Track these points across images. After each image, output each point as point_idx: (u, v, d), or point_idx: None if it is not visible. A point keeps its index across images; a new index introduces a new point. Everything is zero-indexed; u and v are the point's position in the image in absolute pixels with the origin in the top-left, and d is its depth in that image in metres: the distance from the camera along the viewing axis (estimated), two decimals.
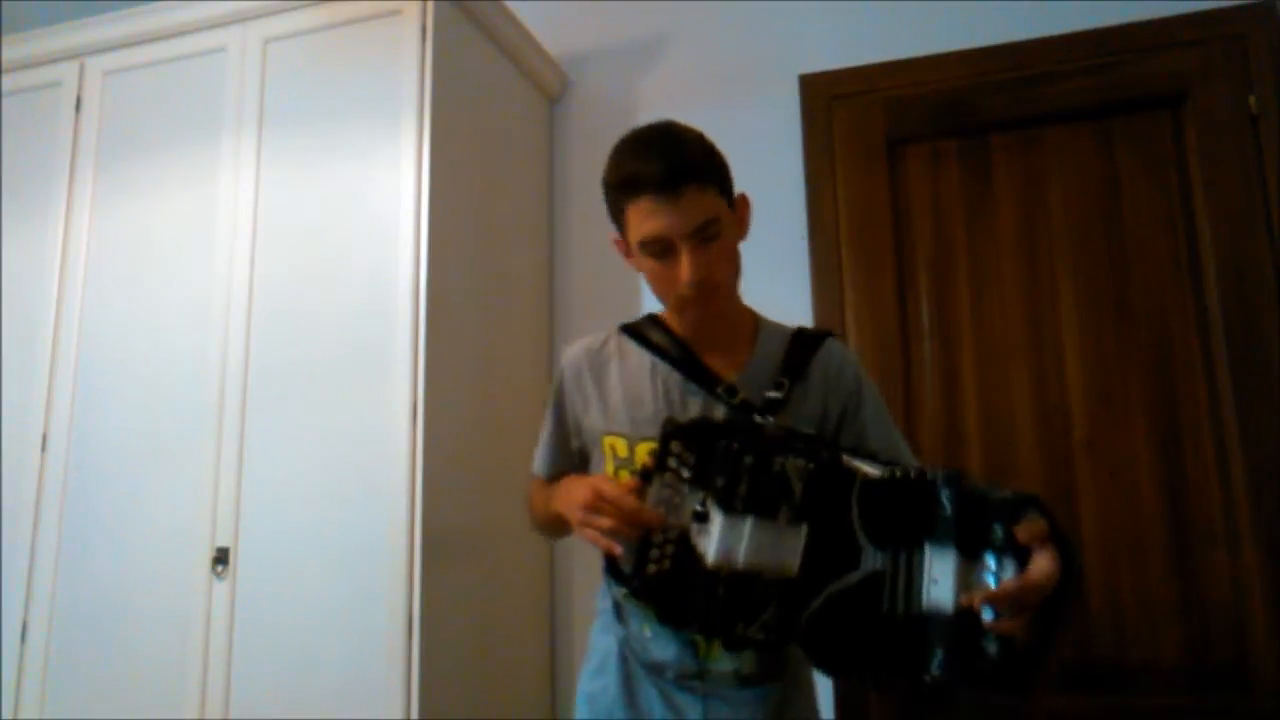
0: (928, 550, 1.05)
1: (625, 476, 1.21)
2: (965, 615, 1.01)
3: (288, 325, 1.97)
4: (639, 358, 1.29)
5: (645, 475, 1.15)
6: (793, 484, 1.11)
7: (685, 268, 1.16)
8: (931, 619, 1.03)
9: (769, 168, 2.29)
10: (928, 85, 2.23)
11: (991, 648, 0.99)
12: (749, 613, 1.11)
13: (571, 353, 1.35)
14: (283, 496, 1.90)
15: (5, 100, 2.35)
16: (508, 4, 2.27)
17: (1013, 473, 2.05)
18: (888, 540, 1.07)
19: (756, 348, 1.29)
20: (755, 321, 1.33)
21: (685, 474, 1.13)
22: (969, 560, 1.02)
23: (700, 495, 1.13)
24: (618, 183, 1.21)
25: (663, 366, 1.26)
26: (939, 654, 1.01)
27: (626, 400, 1.26)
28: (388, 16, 2.02)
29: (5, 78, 2.35)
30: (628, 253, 1.26)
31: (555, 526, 1.35)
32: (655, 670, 1.24)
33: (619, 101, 2.50)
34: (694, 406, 1.23)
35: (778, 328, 1.34)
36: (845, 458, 1.13)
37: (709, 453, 1.14)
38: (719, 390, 1.22)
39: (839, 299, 2.20)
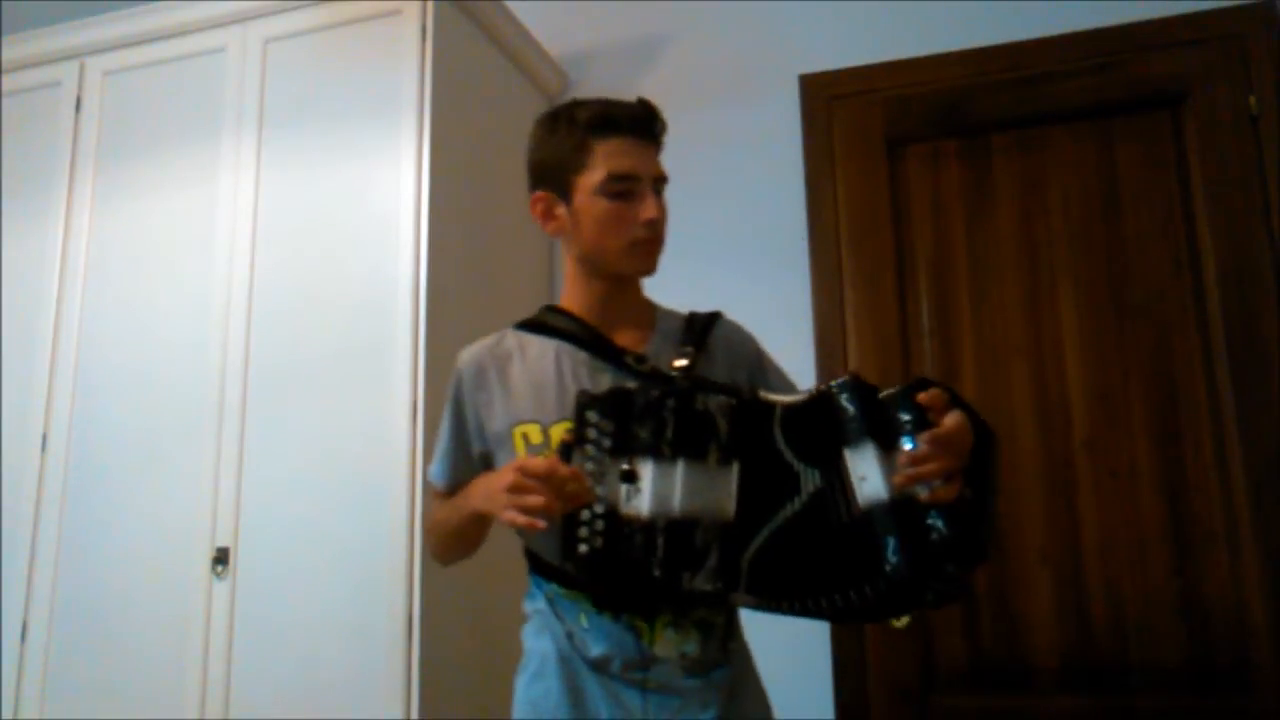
0: (848, 454, 1.05)
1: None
2: (903, 501, 1.01)
3: (288, 324, 1.97)
4: (539, 347, 1.27)
5: (565, 450, 1.12)
6: (718, 422, 1.11)
7: (649, 204, 1.22)
8: (873, 513, 1.03)
9: (769, 168, 2.29)
10: (928, 85, 2.23)
11: (938, 523, 1.00)
12: (693, 561, 1.09)
13: (467, 354, 1.32)
14: (282, 496, 1.90)
15: (5, 100, 2.36)
16: (508, 4, 2.27)
17: (1013, 473, 2.05)
18: (816, 458, 1.07)
19: (656, 327, 1.31)
20: (653, 307, 1.36)
21: (606, 444, 1.11)
22: (888, 452, 1.02)
23: (624, 461, 1.11)
24: (590, 120, 1.23)
25: (567, 349, 1.25)
26: (891, 541, 1.01)
27: (533, 387, 1.24)
28: (388, 16, 2.02)
29: (5, 78, 2.35)
30: (548, 211, 1.27)
31: (467, 534, 1.31)
32: (598, 666, 1.18)
33: None
34: (604, 382, 1.21)
35: (674, 312, 1.36)
36: (762, 393, 1.13)
37: (628, 415, 1.12)
38: (628, 359, 1.22)
39: (839, 299, 2.20)
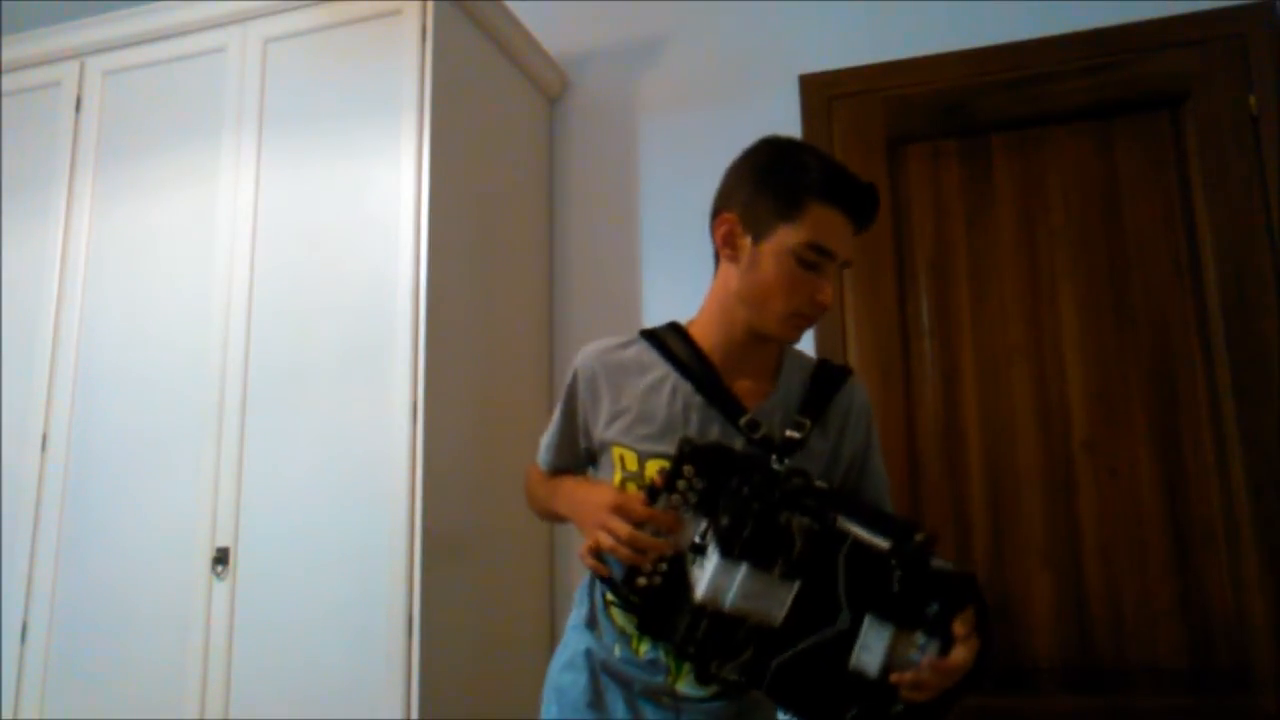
0: (869, 619, 1.10)
1: (632, 489, 1.21)
2: (884, 683, 1.08)
3: (288, 325, 1.97)
4: (658, 369, 1.26)
5: (652, 493, 1.15)
6: (794, 541, 1.12)
7: (829, 291, 1.20)
8: (857, 679, 1.10)
9: None
10: (928, 85, 2.23)
11: (899, 709, 1.09)
12: (726, 653, 1.14)
13: (587, 353, 1.31)
14: (283, 496, 1.90)
15: (5, 100, 2.35)
16: (508, 4, 2.27)
17: (1013, 473, 2.05)
18: (853, 603, 1.12)
19: (780, 378, 1.28)
20: (780, 350, 1.31)
21: (692, 499, 1.14)
22: (902, 630, 1.09)
23: (703, 524, 1.14)
24: (819, 180, 1.18)
25: (683, 384, 1.23)
26: (854, 711, 1.10)
27: (641, 413, 1.23)
28: (388, 16, 2.02)
29: (5, 78, 2.35)
30: (731, 237, 1.23)
31: (549, 516, 1.40)
32: (623, 683, 1.24)
33: (619, 101, 2.50)
34: (711, 433, 1.21)
35: (801, 357, 1.34)
36: (840, 519, 1.14)
37: (719, 484, 1.14)
38: (740, 423, 1.21)
39: (839, 299, 2.20)
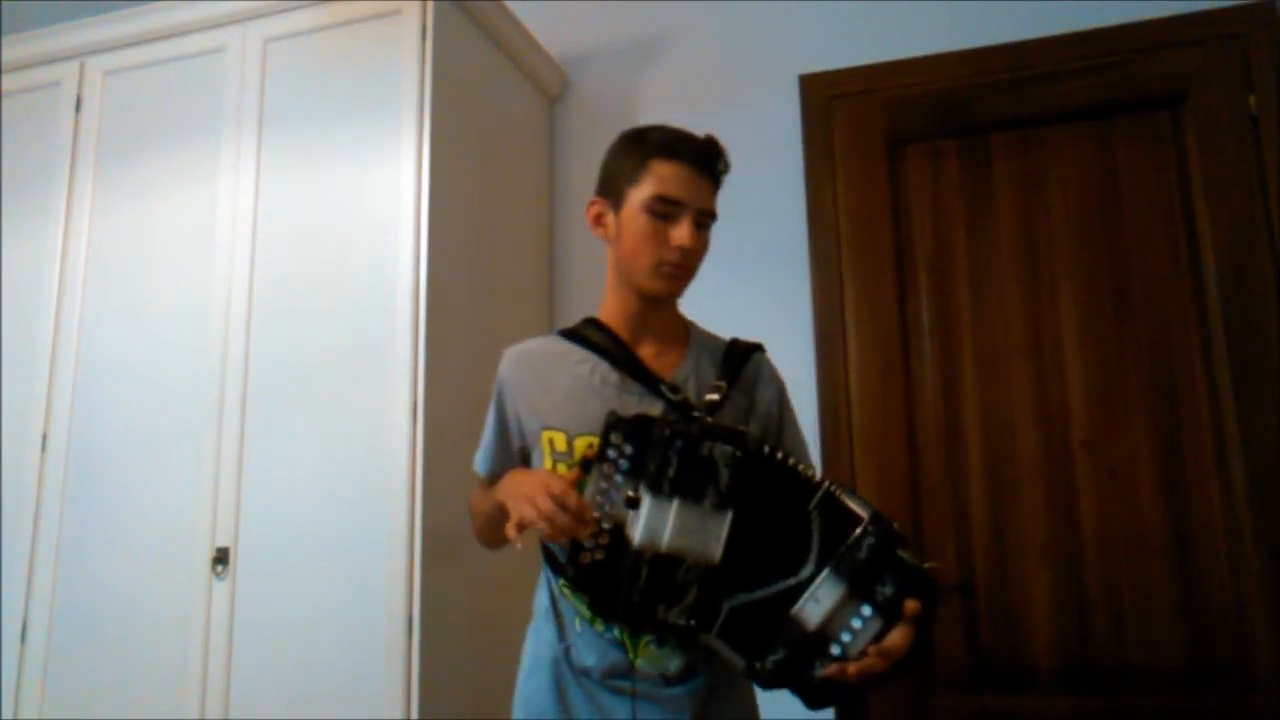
0: (827, 573, 1.13)
1: (563, 470, 1.25)
2: (817, 637, 1.12)
3: (288, 325, 1.97)
4: (578, 357, 1.33)
5: (586, 465, 1.20)
6: (719, 470, 1.16)
7: (685, 231, 1.26)
8: (791, 625, 1.13)
9: (769, 168, 2.29)
10: (928, 85, 2.23)
11: (818, 669, 1.11)
12: (670, 596, 1.16)
13: (509, 355, 1.39)
14: (282, 496, 1.90)
15: (5, 100, 2.36)
16: (508, 4, 2.27)
17: (1013, 473, 2.05)
18: (821, 556, 1.13)
19: (689, 348, 1.35)
20: (686, 325, 1.40)
21: (624, 465, 1.17)
22: (852, 596, 1.11)
23: (633, 486, 1.17)
24: (656, 142, 1.30)
25: (602, 365, 1.31)
26: (780, 653, 1.13)
27: (566, 396, 1.30)
28: (388, 16, 2.02)
29: (5, 78, 2.35)
30: (599, 216, 1.34)
31: (496, 521, 1.36)
32: (584, 673, 1.27)
33: (619, 101, 2.50)
34: (631, 405, 1.26)
35: (710, 336, 1.41)
36: (834, 489, 1.16)
37: (646, 443, 1.18)
38: (661, 388, 1.27)
39: (839, 299, 2.20)
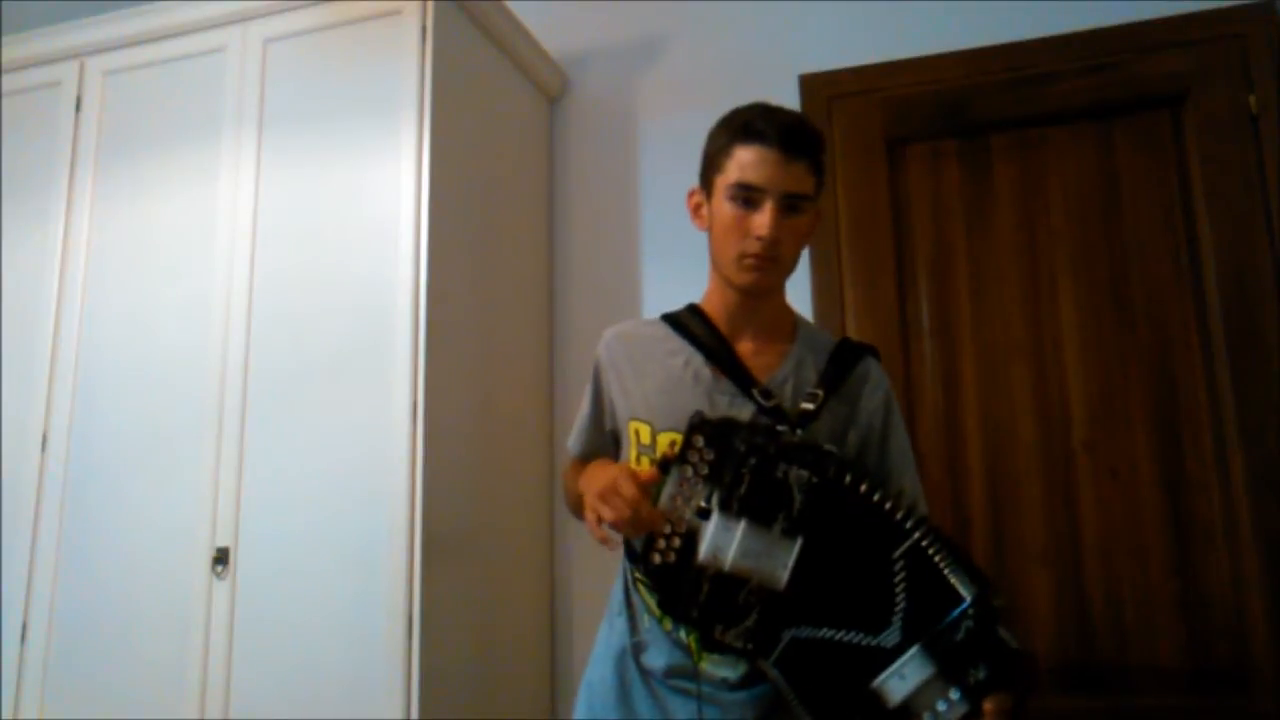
0: (916, 650, 1.07)
1: (646, 464, 1.23)
2: (897, 713, 1.06)
3: (288, 325, 1.97)
4: (673, 346, 1.29)
5: (664, 465, 1.16)
6: (793, 494, 1.11)
7: (766, 219, 1.20)
8: (872, 698, 1.08)
9: None
10: (928, 85, 2.23)
11: None
12: (729, 616, 1.12)
13: (609, 335, 1.36)
14: (283, 497, 1.90)
15: (5, 100, 2.35)
16: (508, 4, 2.27)
17: (1013, 473, 2.05)
18: (912, 628, 1.08)
19: (794, 348, 1.30)
20: (794, 321, 1.34)
21: (703, 470, 1.14)
22: (940, 675, 1.06)
23: (709, 492, 1.14)
24: (736, 125, 1.25)
25: (696, 358, 1.27)
26: None
27: (657, 388, 1.27)
28: (388, 16, 2.01)
29: (5, 78, 2.35)
30: (698, 207, 1.31)
31: (582, 506, 1.36)
32: (649, 671, 1.25)
33: (619, 101, 2.50)
34: (721, 405, 1.23)
35: (817, 331, 1.35)
36: (848, 475, 1.12)
37: (726, 451, 1.14)
38: (754, 391, 1.23)
39: (839, 299, 2.20)
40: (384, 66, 2.00)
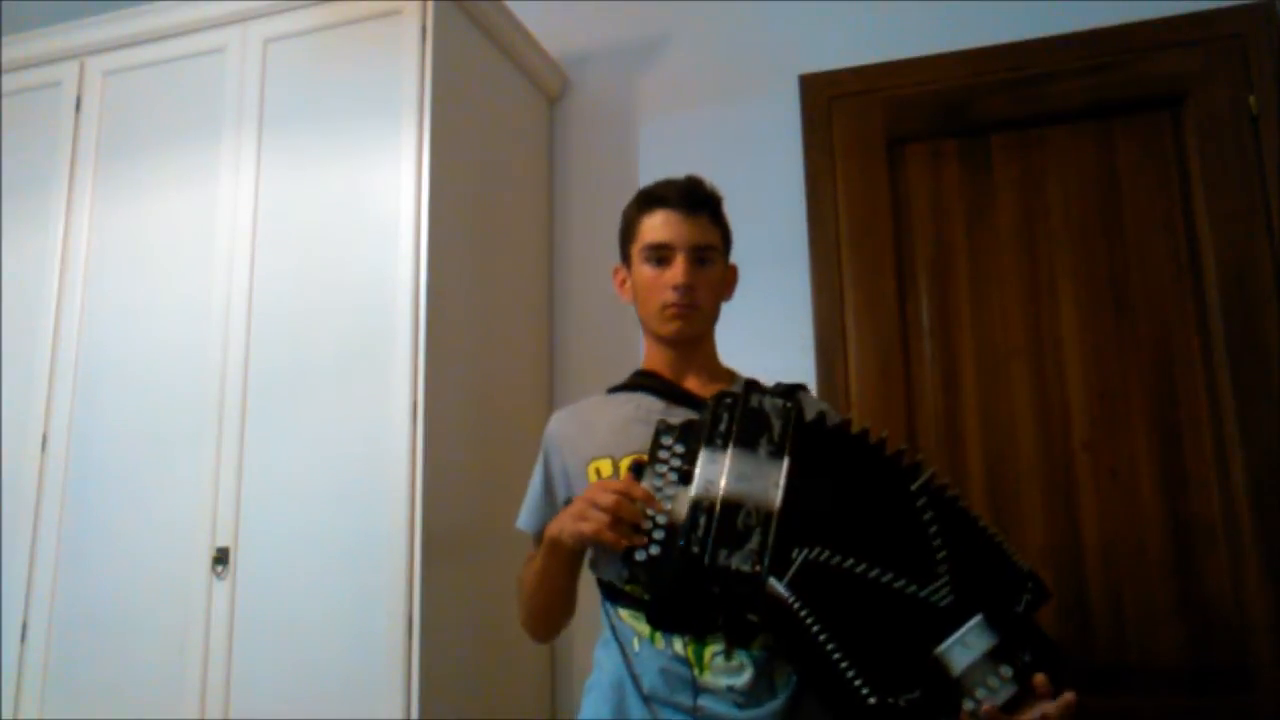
0: (979, 619, 1.06)
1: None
2: (958, 686, 1.04)
3: (288, 325, 1.97)
4: (623, 399, 1.37)
5: (637, 468, 1.19)
6: (771, 420, 1.17)
7: (679, 269, 1.31)
8: (934, 666, 1.05)
9: (769, 168, 2.29)
10: (928, 85, 2.23)
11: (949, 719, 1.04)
12: (733, 540, 1.11)
13: (559, 412, 1.43)
14: (283, 496, 1.90)
15: (5, 100, 2.35)
16: (508, 4, 2.27)
17: (1013, 473, 2.05)
18: (964, 587, 1.08)
19: (736, 387, 1.34)
20: (731, 371, 1.43)
21: (676, 464, 1.17)
22: (997, 651, 1.05)
23: (689, 467, 1.17)
24: (640, 198, 1.38)
25: (647, 400, 1.34)
26: (916, 694, 1.04)
27: (610, 429, 1.33)
28: (388, 16, 2.01)
29: (5, 78, 2.35)
30: (623, 282, 1.42)
31: (549, 575, 1.31)
32: (647, 697, 1.22)
33: (619, 101, 2.50)
34: (679, 418, 1.28)
35: (751, 380, 1.40)
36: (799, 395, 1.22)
37: (697, 439, 1.18)
38: (706, 401, 1.27)
39: (839, 299, 2.20)
40: (384, 66, 2.00)
